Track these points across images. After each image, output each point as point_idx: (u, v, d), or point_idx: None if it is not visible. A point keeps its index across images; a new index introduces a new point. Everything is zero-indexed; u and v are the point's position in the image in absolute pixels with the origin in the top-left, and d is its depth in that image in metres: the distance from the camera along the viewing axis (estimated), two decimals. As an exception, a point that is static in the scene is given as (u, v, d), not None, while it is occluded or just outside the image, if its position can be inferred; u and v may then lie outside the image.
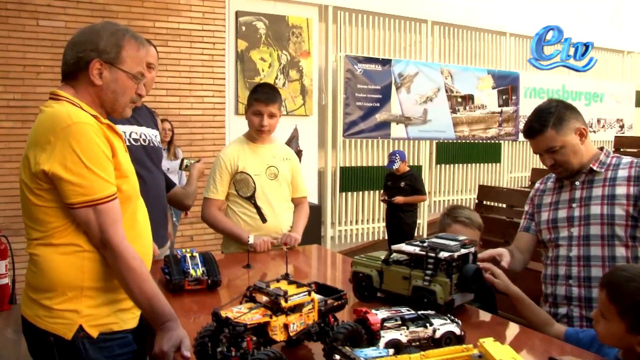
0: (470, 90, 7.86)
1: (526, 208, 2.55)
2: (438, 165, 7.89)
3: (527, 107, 8.26)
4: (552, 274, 2.33)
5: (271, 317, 1.48)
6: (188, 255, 2.26)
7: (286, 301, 1.50)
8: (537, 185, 2.53)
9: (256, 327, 1.46)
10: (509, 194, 7.20)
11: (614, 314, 1.60)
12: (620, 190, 2.16)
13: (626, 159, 2.26)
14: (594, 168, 2.24)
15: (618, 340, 1.64)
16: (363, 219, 7.33)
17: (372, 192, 7.30)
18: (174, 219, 5.68)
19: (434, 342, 1.76)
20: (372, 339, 1.66)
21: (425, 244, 2.04)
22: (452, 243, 2.02)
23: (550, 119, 2.25)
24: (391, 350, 1.41)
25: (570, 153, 2.24)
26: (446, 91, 7.68)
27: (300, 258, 3.07)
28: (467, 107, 7.84)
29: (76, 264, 1.67)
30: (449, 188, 8.02)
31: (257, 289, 1.57)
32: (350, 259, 2.29)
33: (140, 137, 2.77)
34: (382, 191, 6.42)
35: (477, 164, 8.21)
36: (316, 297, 1.60)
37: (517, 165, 8.62)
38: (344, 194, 7.18)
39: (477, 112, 7.90)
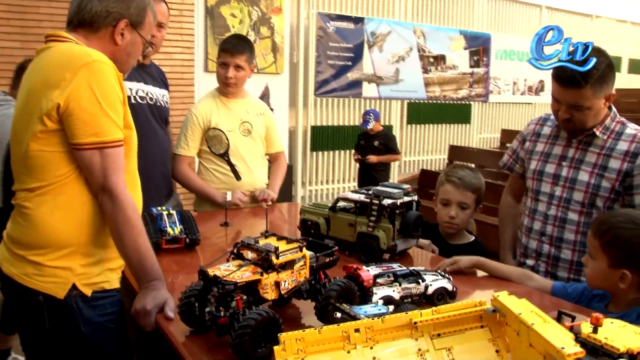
0: (442, 51, 7.77)
1: (514, 145, 2.48)
2: (409, 125, 7.83)
3: (497, 68, 8.24)
4: (528, 225, 2.32)
5: (262, 275, 1.39)
6: (165, 213, 2.14)
7: (277, 258, 1.41)
8: (532, 125, 2.39)
9: (246, 286, 1.37)
10: (479, 154, 7.24)
11: (599, 250, 1.63)
12: (614, 163, 2.08)
13: (630, 129, 2.12)
14: (597, 133, 2.12)
15: (602, 279, 1.66)
16: (335, 178, 7.26)
17: (344, 151, 7.21)
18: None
19: (425, 299, 1.71)
20: (364, 296, 1.59)
21: (370, 192, 2.06)
22: (395, 191, 2.05)
23: (594, 75, 1.98)
24: (391, 307, 1.34)
25: (592, 115, 2.09)
26: (418, 51, 7.57)
27: (276, 215, 2.98)
28: (439, 68, 7.75)
29: (76, 218, 1.57)
30: (420, 148, 8.00)
31: (246, 246, 1.47)
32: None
33: (147, 95, 2.67)
34: (354, 150, 6.34)
35: (448, 125, 8.19)
36: (307, 253, 1.51)
37: (486, 126, 8.64)
38: (315, 153, 7.07)
39: (448, 72, 7.83)
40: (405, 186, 2.13)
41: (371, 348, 1.01)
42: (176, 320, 1.51)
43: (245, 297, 1.36)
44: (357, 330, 1.00)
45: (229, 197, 2.50)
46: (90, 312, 1.59)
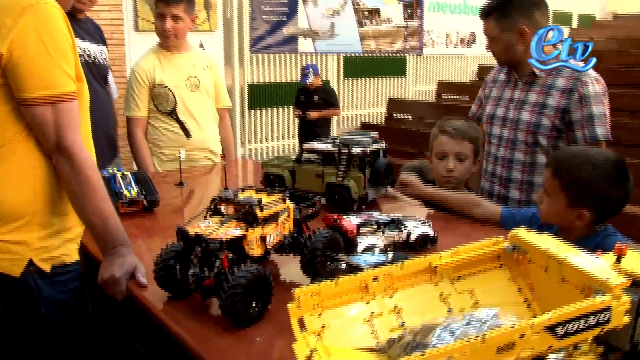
0: (376, 4, 7.63)
1: (480, 94, 2.49)
2: (346, 80, 7.72)
3: (431, 21, 8.21)
4: (484, 168, 2.36)
5: (247, 230, 1.27)
6: (118, 174, 1.94)
7: (262, 210, 1.29)
8: (492, 73, 2.44)
9: (230, 243, 1.24)
10: (418, 106, 7.28)
11: (557, 190, 1.61)
12: (552, 101, 2.10)
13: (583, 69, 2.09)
14: (535, 71, 2.14)
15: (559, 217, 1.65)
16: (275, 136, 7.10)
17: (283, 108, 7.03)
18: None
19: (408, 246, 1.65)
20: (349, 246, 1.50)
21: (337, 141, 1.98)
22: (363, 139, 1.96)
23: (497, 8, 2.16)
24: (390, 254, 1.25)
25: (501, 48, 2.18)
26: (353, 5, 7.40)
27: (232, 172, 2.82)
28: (374, 21, 7.63)
29: (29, 185, 1.37)
30: (358, 102, 7.93)
31: (224, 200, 1.33)
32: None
33: (85, 52, 2.43)
34: (294, 107, 6.19)
35: (384, 78, 8.14)
36: (291, 205, 1.40)
37: (422, 78, 8.66)
38: (253, 111, 6.86)
39: (383, 26, 7.73)
40: (373, 133, 2.05)
41: (391, 297, 0.92)
42: (150, 287, 1.38)
43: (230, 255, 1.24)
44: (375, 279, 0.91)
45: (182, 156, 2.33)
46: (50, 290, 1.42)
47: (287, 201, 1.38)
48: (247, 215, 1.28)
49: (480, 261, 0.98)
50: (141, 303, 1.35)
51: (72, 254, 1.49)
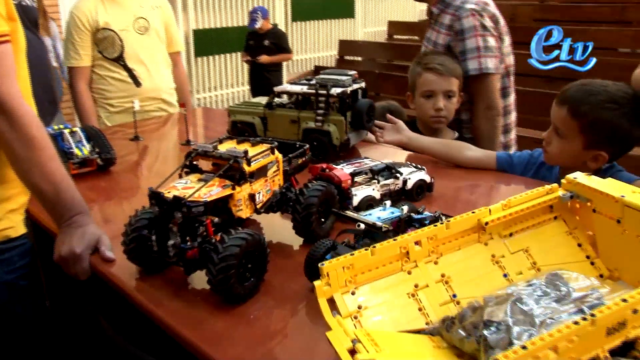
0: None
1: None
2: (294, 23, 7.33)
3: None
4: None
5: (233, 189, 1.04)
6: (66, 131, 1.65)
7: (249, 164, 1.07)
8: None
9: (214, 205, 1.02)
10: (369, 47, 7.03)
11: (574, 131, 1.46)
12: (441, 39, 2.09)
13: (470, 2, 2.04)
14: (432, 9, 2.13)
15: (572, 159, 1.51)
16: (225, 83, 6.72)
17: (232, 54, 6.62)
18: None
19: (405, 194, 1.47)
20: (343, 198, 1.31)
21: (312, 82, 1.76)
22: (342, 78, 1.75)
23: None
24: (405, 207, 1.06)
25: None
26: (297, -58, 6.96)
27: (191, 122, 2.55)
28: (319, -40, 7.23)
29: None
30: (308, 46, 7.60)
31: (203, 154, 1.10)
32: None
33: None
34: (243, 52, 5.82)
35: (333, 20, 7.79)
36: (280, 155, 1.18)
37: (370, 20, 8.34)
38: (200, 59, 6.43)
39: (329, -36, 7.34)
40: (351, 72, 1.82)
41: (436, 263, 0.74)
42: (118, 261, 1.15)
43: (216, 219, 1.02)
44: (417, 243, 0.72)
45: (136, 106, 2.04)
46: None
47: (276, 152, 1.16)
48: (233, 171, 1.06)
49: (532, 213, 0.80)
50: (110, 281, 1.12)
51: (17, 227, 1.25)
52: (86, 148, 1.64)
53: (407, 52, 6.45)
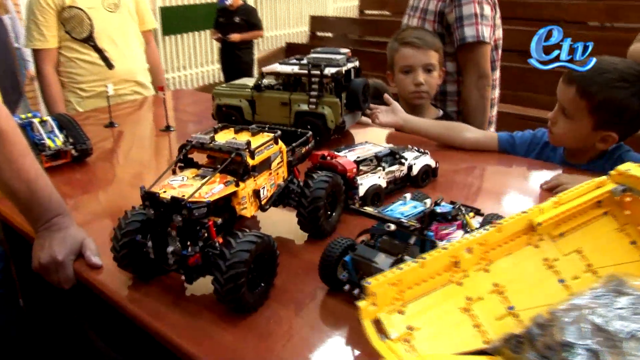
0: None
1: None
2: (264, -1, 7.12)
3: None
4: None
5: (237, 185, 0.93)
6: (35, 120, 1.49)
7: (253, 157, 0.95)
8: None
9: (215, 205, 0.91)
10: (341, 22, 6.87)
11: (583, 111, 1.38)
12: (432, 5, 2.03)
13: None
14: None
15: (580, 140, 1.44)
16: (194, 62, 6.47)
17: (201, 32, 6.37)
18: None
19: (410, 181, 1.38)
20: (348, 188, 1.21)
21: (304, 61, 1.64)
22: (336, 57, 1.62)
23: None
24: (428, 201, 0.97)
25: None
26: None
27: (168, 106, 2.39)
28: None
29: None
30: (279, 22, 7.38)
31: (199, 146, 0.98)
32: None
33: None
34: (213, 30, 5.60)
35: (302, -5, 7.59)
36: (284, 146, 1.07)
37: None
38: (168, 38, 6.16)
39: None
40: (344, 50, 1.71)
41: (486, 271, 0.65)
42: (106, 267, 1.03)
43: (219, 220, 0.90)
44: (469, 250, 0.62)
45: (110, 90, 1.88)
46: None
47: (280, 142, 1.04)
48: (235, 165, 0.94)
49: (581, 210, 0.71)
50: (98, 290, 1.00)
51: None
52: (59, 138, 1.49)
53: (379, 27, 6.34)
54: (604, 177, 0.75)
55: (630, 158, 1.41)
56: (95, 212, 1.33)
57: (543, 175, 1.47)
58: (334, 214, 1.15)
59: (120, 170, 1.62)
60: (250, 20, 5.45)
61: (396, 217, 0.87)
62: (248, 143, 0.95)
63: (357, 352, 0.81)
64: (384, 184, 1.28)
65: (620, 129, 1.37)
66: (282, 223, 1.18)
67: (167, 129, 1.90)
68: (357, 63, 1.69)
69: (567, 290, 0.66)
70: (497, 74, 2.16)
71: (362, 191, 1.23)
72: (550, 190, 1.35)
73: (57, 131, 1.50)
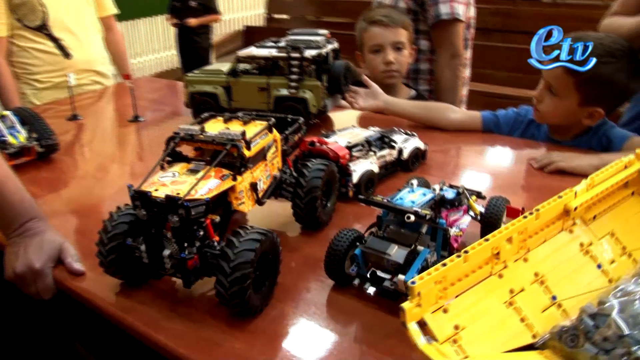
0: None
1: None
2: (218, -18, 6.89)
3: None
4: None
5: (234, 179, 0.86)
6: (-6, 115, 1.37)
7: (249, 148, 0.88)
8: None
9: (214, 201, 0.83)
10: (297, 3, 6.73)
11: (570, 87, 1.36)
12: None
13: None
14: None
15: (566, 117, 1.42)
16: (149, 49, 6.23)
17: (156, 17, 6.13)
18: None
19: (400, 165, 1.33)
20: (341, 175, 1.16)
21: (281, 44, 1.56)
22: (316, 38, 1.56)
23: None
24: (437, 187, 0.91)
25: None
26: None
27: (126, 94, 2.25)
28: None
29: None
30: (235, 5, 7.17)
31: (190, 139, 0.89)
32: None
33: None
34: (168, 15, 5.39)
35: (257, -23, 7.40)
36: (278, 134, 1.00)
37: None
38: (119, 24, 5.89)
39: None
40: (322, 31, 1.63)
41: (525, 260, 0.60)
42: (90, 273, 0.94)
43: (217, 218, 0.83)
44: (509, 240, 0.58)
45: (72, 80, 1.75)
46: None
47: (274, 130, 0.97)
48: (230, 157, 0.87)
49: (611, 191, 0.68)
50: (84, 300, 0.91)
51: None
52: (22, 134, 1.37)
53: (336, 8, 6.25)
54: (631, 156, 0.72)
55: (615, 133, 1.41)
56: (67, 213, 1.22)
57: (530, 154, 1.45)
58: (328, 203, 1.09)
59: (90, 166, 1.51)
60: (206, 4, 5.27)
61: (408, 206, 0.82)
62: (243, 133, 0.87)
63: (372, 350, 0.76)
64: (376, 169, 1.23)
65: (607, 104, 1.35)
66: (272, 215, 1.11)
67: (136, 119, 1.79)
68: (336, 44, 1.62)
69: (605, 275, 0.63)
70: (469, 52, 2.14)
71: (355, 178, 1.17)
72: (541, 168, 1.33)
73: (18, 126, 1.38)
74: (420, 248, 0.80)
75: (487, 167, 1.43)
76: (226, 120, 0.98)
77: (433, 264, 0.78)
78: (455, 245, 0.87)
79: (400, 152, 1.31)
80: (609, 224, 0.68)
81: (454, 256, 0.53)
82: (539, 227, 0.62)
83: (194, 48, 5.40)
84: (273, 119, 0.97)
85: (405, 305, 0.50)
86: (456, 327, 0.53)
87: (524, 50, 3.99)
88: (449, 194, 0.93)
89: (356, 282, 0.85)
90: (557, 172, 1.31)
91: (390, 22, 1.83)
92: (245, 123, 0.96)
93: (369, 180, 1.20)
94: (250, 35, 6.14)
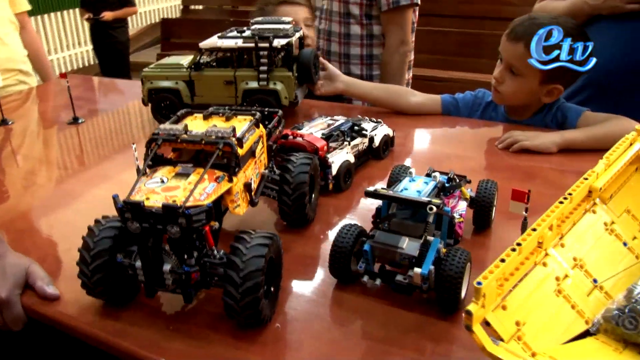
0: None
1: None
2: (129, -28, 6.53)
3: None
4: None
5: (230, 180, 0.79)
6: None
7: (242, 146, 0.81)
8: None
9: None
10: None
11: (532, 66, 1.34)
12: None
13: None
14: None
15: (527, 95, 1.44)
16: (62, 45, 5.82)
17: (67, 12, 5.72)
18: None
19: (371, 153, 1.31)
20: (320, 168, 1.11)
21: (246, 33, 1.48)
22: (282, 27, 1.48)
23: None
24: (438, 174, 0.89)
25: None
26: None
27: (51, 96, 2.07)
28: None
29: None
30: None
31: (174, 140, 0.81)
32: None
33: None
34: (80, 9, 5.05)
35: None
36: (263, 129, 0.94)
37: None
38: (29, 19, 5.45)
39: None
40: (287, 19, 1.56)
41: (563, 246, 0.59)
42: (67, 295, 0.84)
43: (216, 225, 0.76)
44: (550, 228, 0.56)
45: (0, 82, 1.57)
46: None
47: (261, 125, 0.91)
48: (227, 158, 0.80)
49: (621, 169, 0.68)
50: (64, 327, 0.81)
51: None
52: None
53: (253, -5, 6.12)
54: (633, 134, 0.73)
55: (568, 108, 1.45)
56: (17, 229, 1.10)
57: (489, 133, 1.48)
58: (313, 198, 1.05)
59: (32, 175, 1.37)
60: (121, -4, 4.99)
61: (415, 196, 0.79)
62: (234, 130, 0.81)
63: (395, 347, 0.73)
64: (352, 159, 1.20)
65: (565, 81, 1.39)
66: (248, 215, 1.05)
67: (75, 121, 1.64)
68: (302, 32, 1.55)
69: (632, 252, 0.63)
70: (413, 37, 2.15)
71: (334, 169, 1.13)
72: (507, 147, 1.35)
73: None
74: (430, 238, 0.78)
75: (453, 150, 1.42)
76: (206, 117, 0.90)
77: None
78: (460, 232, 0.86)
79: (372, 140, 1.28)
80: (623, 201, 0.68)
81: (508, 250, 0.51)
82: (568, 210, 0.61)
83: (111, 43, 5.09)
84: (259, 114, 0.91)
85: (472, 308, 0.47)
86: (517, 324, 0.50)
87: (446, 33, 4.07)
88: (443, 180, 0.91)
89: (365, 278, 0.81)
90: (521, 150, 1.33)
91: (298, 1, 1.86)
92: (227, 119, 0.89)
93: (347, 172, 1.16)
94: (168, 27, 5.88)
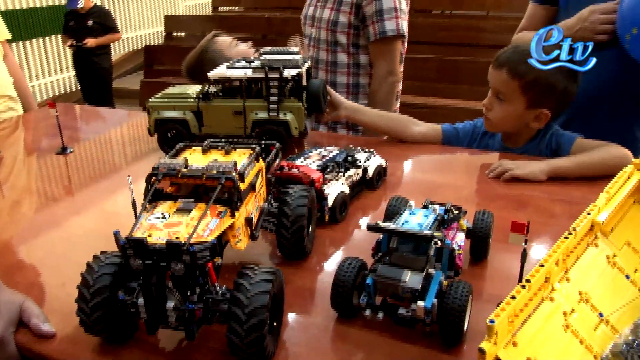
0: None
1: None
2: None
3: None
4: None
5: (232, 215, 0.79)
6: None
7: (243, 180, 0.82)
8: None
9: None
10: (194, 21, 6.57)
11: (516, 91, 1.42)
12: None
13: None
14: None
15: (516, 120, 1.47)
16: (44, 72, 5.78)
17: (49, 37, 5.70)
18: None
19: (365, 184, 1.32)
20: (317, 200, 1.12)
21: (255, 64, 1.47)
22: (293, 57, 1.49)
23: None
24: (437, 207, 0.89)
25: None
26: None
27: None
28: None
29: None
30: (133, 23, 6.87)
31: (174, 174, 0.81)
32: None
33: None
34: (63, 35, 5.06)
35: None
36: (262, 163, 0.94)
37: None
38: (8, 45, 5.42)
39: None
40: (294, 49, 1.57)
41: (568, 280, 0.60)
42: (63, 331, 0.83)
43: (219, 261, 0.76)
44: (557, 263, 0.57)
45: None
46: None
47: (260, 159, 0.92)
48: (228, 193, 0.80)
49: (621, 202, 0.70)
50: (62, 365, 0.80)
51: None
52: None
53: (234, 24, 6.17)
54: (630, 167, 0.75)
55: (561, 135, 1.48)
56: (10, 264, 1.08)
57: (482, 161, 1.50)
58: (310, 230, 1.05)
59: (26, 208, 1.34)
60: (105, 23, 5.01)
61: (416, 229, 0.80)
62: (235, 164, 0.81)
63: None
64: (347, 190, 1.20)
65: (551, 105, 1.42)
66: (248, 247, 1.04)
67: (64, 151, 1.63)
68: (309, 62, 1.54)
69: (634, 285, 0.65)
70: (402, 67, 2.19)
71: (330, 201, 1.14)
72: (497, 177, 1.38)
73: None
74: (432, 271, 0.78)
75: (446, 179, 1.44)
76: (205, 150, 0.91)
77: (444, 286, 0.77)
78: (460, 263, 0.87)
79: (365, 170, 1.29)
80: (623, 233, 0.70)
81: (518, 287, 0.52)
82: (573, 245, 0.62)
83: (94, 70, 5.09)
84: (258, 147, 0.91)
85: (485, 345, 0.47)
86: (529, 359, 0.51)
87: (426, 60, 4.13)
88: (441, 212, 0.92)
89: (367, 312, 0.81)
90: (512, 179, 1.36)
91: None
92: (227, 152, 0.90)
93: (343, 203, 1.17)
94: (150, 54, 5.88)
